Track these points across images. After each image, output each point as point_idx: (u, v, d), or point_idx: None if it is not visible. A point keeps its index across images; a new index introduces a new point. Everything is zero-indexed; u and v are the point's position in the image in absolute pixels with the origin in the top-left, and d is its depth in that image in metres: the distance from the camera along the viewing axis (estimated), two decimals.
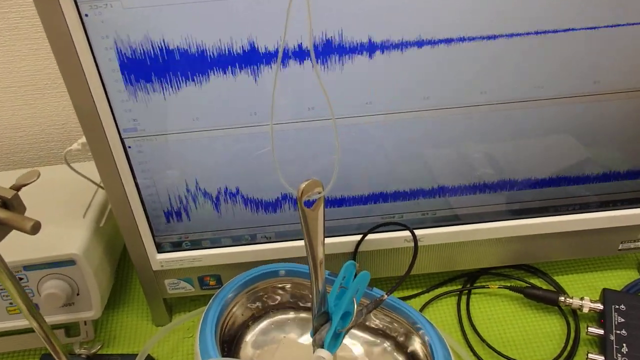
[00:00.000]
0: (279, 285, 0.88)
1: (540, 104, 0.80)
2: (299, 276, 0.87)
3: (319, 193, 0.59)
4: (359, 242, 0.90)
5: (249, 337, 0.87)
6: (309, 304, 0.90)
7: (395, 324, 0.84)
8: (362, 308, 0.75)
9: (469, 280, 1.07)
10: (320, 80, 0.73)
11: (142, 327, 1.01)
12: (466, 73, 0.76)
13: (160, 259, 0.92)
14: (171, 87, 0.72)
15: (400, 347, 0.84)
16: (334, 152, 0.79)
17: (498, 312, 1.00)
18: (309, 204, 0.60)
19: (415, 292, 1.04)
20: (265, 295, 0.88)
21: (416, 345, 0.82)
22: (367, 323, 0.87)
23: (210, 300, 0.82)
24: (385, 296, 0.76)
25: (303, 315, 0.90)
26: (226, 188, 0.85)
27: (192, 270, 0.95)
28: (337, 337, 0.72)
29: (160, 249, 0.92)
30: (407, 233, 0.91)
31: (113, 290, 1.05)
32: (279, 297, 0.89)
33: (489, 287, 1.04)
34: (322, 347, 0.69)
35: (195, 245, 0.92)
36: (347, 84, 0.74)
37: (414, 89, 0.77)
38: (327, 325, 0.72)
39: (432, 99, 0.78)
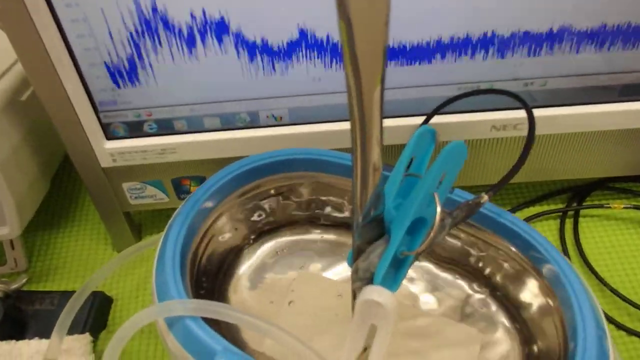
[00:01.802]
0: (294, 186, 0.55)
1: None
2: (328, 170, 0.53)
3: None
4: (426, 123, 0.55)
5: (244, 268, 0.54)
6: (340, 218, 0.56)
7: (494, 253, 0.50)
8: (446, 216, 0.41)
9: (577, 196, 0.72)
10: None
11: (99, 255, 0.70)
12: None
13: (111, 149, 0.60)
14: None
15: (498, 295, 0.51)
16: None
17: (621, 242, 0.66)
18: None
19: None
20: (270, 204, 0.55)
21: (528, 291, 0.48)
22: (440, 250, 0.54)
23: (177, 210, 0.49)
24: (486, 197, 0.42)
25: (330, 236, 0.56)
26: (205, 14, 0.50)
27: (162, 168, 0.62)
28: (400, 265, 0.38)
29: (109, 133, 0.59)
30: (494, 115, 0.57)
31: (56, 202, 0.73)
32: (292, 207, 0.56)
33: (609, 207, 0.69)
34: (371, 281, 0.36)
35: (165, 127, 0.59)
36: None
37: None
38: (379, 245, 0.38)
39: None
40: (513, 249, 0.48)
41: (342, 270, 0.55)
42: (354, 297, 0.41)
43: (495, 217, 0.48)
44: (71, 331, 0.57)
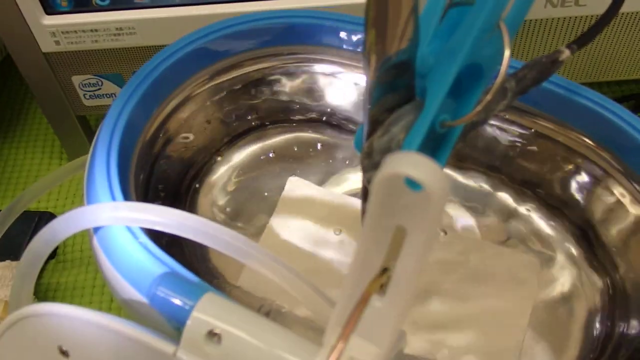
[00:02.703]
0: (287, 67, 0.41)
1: None
2: (337, 45, 0.39)
3: None
4: None
5: (217, 176, 0.40)
6: (343, 112, 0.42)
7: (559, 151, 0.36)
8: (509, 79, 0.26)
9: None
10: None
11: (52, 169, 0.56)
12: None
13: (52, 27, 0.46)
14: None
15: (561, 210, 0.37)
16: None
17: None
18: None
19: None
20: (254, 92, 0.41)
21: (608, 204, 0.34)
22: (478, 154, 0.40)
23: (120, 91, 0.35)
24: (567, 53, 0.28)
25: (332, 138, 0.43)
26: None
27: (121, 57, 0.49)
28: (438, 145, 0.25)
29: (49, 6, 0.46)
30: None
31: None
32: (283, 93, 0.42)
33: None
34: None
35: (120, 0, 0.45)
36: None
37: None
38: (407, 113, 0.24)
39: None
40: (589, 141, 0.34)
41: (349, 185, 0.41)
42: (365, 196, 0.27)
43: (569, 94, 0.34)
44: (4, 257, 0.45)
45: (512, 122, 0.37)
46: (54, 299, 0.47)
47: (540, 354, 0.34)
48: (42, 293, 0.47)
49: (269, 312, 0.32)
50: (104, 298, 0.47)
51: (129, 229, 0.28)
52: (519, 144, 0.37)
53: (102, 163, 0.31)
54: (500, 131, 0.38)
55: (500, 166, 0.39)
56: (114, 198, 0.30)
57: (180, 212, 0.27)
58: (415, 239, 0.19)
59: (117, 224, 0.28)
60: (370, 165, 0.24)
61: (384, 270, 0.20)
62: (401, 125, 0.24)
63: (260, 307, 0.33)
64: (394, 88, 0.25)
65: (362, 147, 0.25)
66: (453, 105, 0.25)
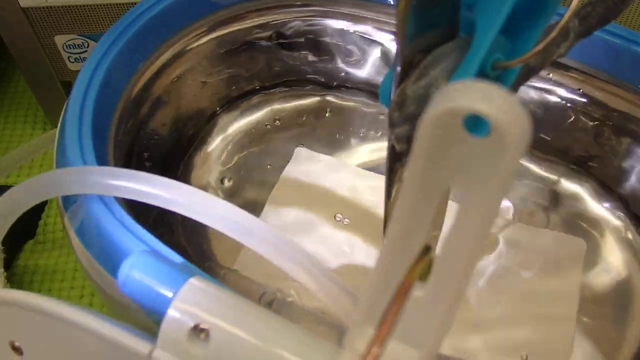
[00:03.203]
0: (297, 20, 0.35)
1: None
2: None
3: None
4: None
5: (215, 144, 0.35)
6: (359, 75, 0.37)
7: (617, 119, 0.31)
8: (571, 18, 0.21)
9: None
10: None
11: (32, 139, 0.51)
12: None
13: None
14: None
15: (612, 188, 0.32)
16: None
17: None
18: None
19: None
20: (259, 47, 0.36)
21: None
22: None
23: (101, 39, 0.30)
24: None
25: (345, 104, 0.37)
26: None
27: (111, 13, 0.43)
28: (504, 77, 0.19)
29: None
30: None
31: None
32: (291, 53, 0.36)
33: None
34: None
35: None
36: None
37: None
38: (449, 52, 0.19)
39: None
40: None
41: (363, 158, 0.36)
42: (393, 161, 0.22)
43: (628, 44, 0.28)
44: None
45: (558, 84, 0.32)
46: (30, 283, 0.42)
47: (589, 349, 0.29)
48: (17, 277, 0.42)
49: (271, 301, 0.27)
50: (87, 283, 0.42)
51: (103, 201, 0.23)
52: (564, 110, 0.32)
53: (74, 125, 0.26)
54: (542, 94, 0.32)
55: (541, 136, 0.34)
56: (85, 163, 0.25)
57: (162, 179, 0.22)
58: (475, 206, 0.13)
59: (84, 191, 0.23)
60: (401, 117, 0.19)
61: (426, 250, 0.15)
62: (442, 67, 0.19)
63: (261, 295, 0.27)
64: (432, 23, 0.20)
65: (389, 97, 0.20)
66: (507, 44, 0.19)
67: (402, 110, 0.19)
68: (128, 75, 0.30)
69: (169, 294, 0.19)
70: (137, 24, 0.30)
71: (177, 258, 0.21)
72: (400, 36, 0.19)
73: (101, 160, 0.26)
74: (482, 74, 0.19)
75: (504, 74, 0.19)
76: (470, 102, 0.12)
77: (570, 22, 0.22)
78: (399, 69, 0.20)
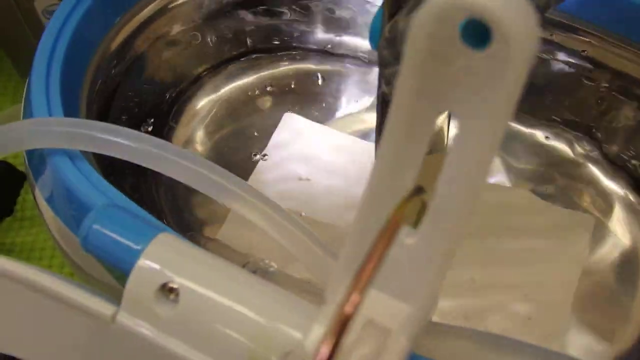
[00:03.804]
0: None
1: None
2: None
3: None
4: None
5: (199, 106, 0.33)
6: (352, 38, 0.35)
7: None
8: None
9: None
10: None
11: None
12: None
13: None
14: None
15: (621, 157, 0.31)
16: None
17: None
18: None
19: None
20: (251, 6, 0.34)
21: None
22: None
23: None
24: None
25: (338, 69, 0.35)
26: None
27: None
28: None
29: None
30: None
31: None
32: (284, 13, 0.34)
33: None
34: None
35: None
36: None
37: None
38: None
39: None
40: None
41: (357, 126, 0.34)
42: (384, 108, 0.20)
43: None
44: None
45: (560, 47, 0.30)
46: None
47: (586, 330, 0.28)
48: None
49: (254, 272, 0.25)
50: (66, 262, 0.40)
51: (69, 155, 0.21)
52: (567, 74, 0.30)
53: (40, 77, 0.24)
54: (544, 58, 0.31)
55: (541, 103, 0.32)
56: (48, 107, 0.23)
57: (129, 130, 0.20)
58: (475, 132, 0.11)
59: (44, 144, 0.21)
60: (392, 56, 0.17)
61: (418, 191, 0.13)
62: None
63: (244, 265, 0.26)
64: None
65: (379, 35, 0.18)
66: None
67: (394, 47, 0.17)
68: (104, 29, 0.28)
69: (135, 250, 0.17)
70: None
71: (144, 214, 0.19)
72: None
73: (71, 111, 0.24)
74: None
75: None
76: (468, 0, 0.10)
77: None
78: (388, 3, 0.18)
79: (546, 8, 0.19)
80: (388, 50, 0.17)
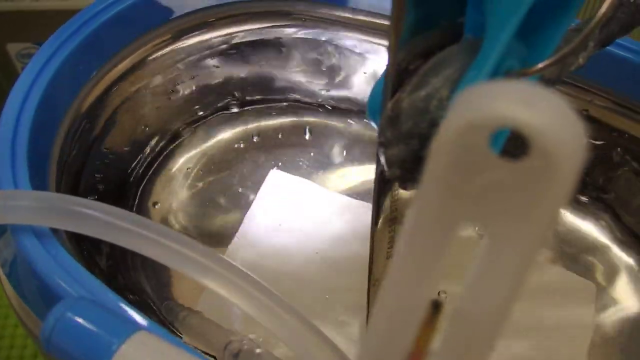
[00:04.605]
0: (274, 29, 0.32)
1: None
2: None
3: None
4: None
5: (180, 164, 0.31)
6: (342, 92, 0.34)
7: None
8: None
9: None
10: None
11: None
12: None
13: None
14: None
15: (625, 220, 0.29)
16: None
17: None
18: None
19: None
20: (230, 58, 0.32)
21: None
22: None
23: (45, 43, 0.26)
24: None
25: (326, 123, 0.34)
26: None
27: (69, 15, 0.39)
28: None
29: None
30: None
31: None
32: (266, 66, 0.33)
33: None
34: (424, 143, 0.14)
35: None
36: None
37: None
38: (455, 58, 0.16)
39: None
40: None
41: (346, 183, 0.32)
42: (381, 189, 0.19)
43: None
44: None
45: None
46: None
47: None
48: None
49: (237, 353, 0.23)
50: (29, 342, 0.36)
51: (35, 233, 0.19)
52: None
53: (6, 142, 0.22)
54: None
55: None
56: (17, 181, 0.21)
57: (101, 204, 0.18)
58: (505, 254, 0.10)
59: (8, 220, 0.19)
60: (395, 136, 0.16)
61: (436, 306, 0.11)
62: (445, 74, 0.16)
63: (226, 344, 0.24)
64: (431, 22, 0.16)
65: (379, 111, 0.17)
66: (521, 49, 0.16)
67: (396, 127, 0.16)
68: (76, 87, 0.26)
69: (107, 353, 0.15)
70: (89, 28, 0.26)
71: (123, 306, 0.17)
72: (394, 34, 0.16)
73: (39, 183, 0.22)
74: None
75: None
76: (509, 109, 0.08)
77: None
78: (391, 76, 0.16)
79: (555, 82, 0.18)
80: (390, 130, 0.16)
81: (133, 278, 0.27)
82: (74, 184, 0.26)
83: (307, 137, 0.34)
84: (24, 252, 0.19)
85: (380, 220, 0.21)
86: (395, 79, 0.16)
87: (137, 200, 0.30)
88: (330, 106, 0.34)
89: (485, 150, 0.09)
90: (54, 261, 0.18)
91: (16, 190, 0.20)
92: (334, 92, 0.34)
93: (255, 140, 0.33)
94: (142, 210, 0.29)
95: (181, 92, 0.31)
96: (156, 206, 0.30)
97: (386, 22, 0.30)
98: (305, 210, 0.30)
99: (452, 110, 0.09)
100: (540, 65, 0.16)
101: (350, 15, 0.31)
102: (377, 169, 0.18)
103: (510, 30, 0.15)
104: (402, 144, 0.16)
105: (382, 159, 0.17)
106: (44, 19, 0.39)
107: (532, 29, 0.16)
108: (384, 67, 0.17)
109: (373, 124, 0.18)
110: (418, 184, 0.17)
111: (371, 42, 0.32)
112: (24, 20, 0.39)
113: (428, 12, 0.16)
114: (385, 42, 0.31)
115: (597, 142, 0.28)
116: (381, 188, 0.19)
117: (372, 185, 0.19)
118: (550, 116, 0.09)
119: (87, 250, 0.24)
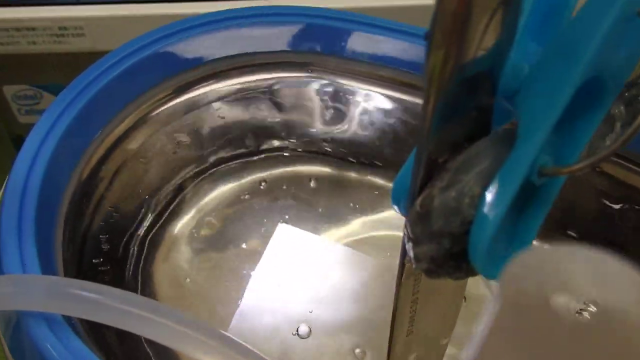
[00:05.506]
0: (277, 80, 0.32)
1: None
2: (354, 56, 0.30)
3: None
4: None
5: (183, 223, 0.31)
6: (353, 142, 0.33)
7: None
8: (623, 92, 0.18)
9: None
10: None
11: None
12: None
13: None
14: None
15: None
16: None
17: None
18: None
19: None
20: (233, 110, 0.32)
21: None
22: None
23: (46, 110, 0.25)
24: None
25: (336, 173, 0.34)
26: None
27: (64, 63, 0.39)
28: (530, 200, 0.16)
29: None
30: None
31: None
32: (267, 116, 0.33)
33: None
34: (461, 240, 0.14)
35: None
36: None
37: None
38: (486, 153, 0.15)
39: None
40: None
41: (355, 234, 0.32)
42: (402, 271, 0.18)
43: None
44: None
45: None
46: None
47: None
48: None
49: None
50: None
51: (47, 319, 0.19)
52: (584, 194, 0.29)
53: (11, 230, 0.21)
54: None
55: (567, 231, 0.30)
56: (24, 262, 0.20)
57: (115, 290, 0.18)
58: None
59: (21, 308, 0.18)
60: (425, 235, 0.15)
61: None
62: (477, 170, 0.15)
63: None
64: (460, 112, 0.16)
65: (404, 199, 0.16)
66: (556, 142, 0.16)
67: (426, 225, 0.15)
68: (80, 151, 0.25)
69: None
70: (93, 89, 0.25)
71: None
72: (426, 130, 0.15)
73: (46, 252, 0.21)
74: (526, 182, 0.15)
75: (550, 182, 0.16)
76: None
77: (614, 107, 0.19)
78: (419, 169, 0.16)
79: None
80: (420, 227, 0.15)
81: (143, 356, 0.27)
82: (80, 247, 0.25)
83: (312, 185, 0.33)
84: (35, 340, 0.18)
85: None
86: (424, 174, 0.16)
87: (142, 259, 0.29)
88: (335, 155, 0.34)
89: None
90: (66, 350, 0.18)
91: (26, 275, 0.19)
92: (339, 140, 0.33)
93: (262, 187, 0.32)
94: (148, 268, 0.29)
95: (178, 150, 0.30)
96: (164, 264, 0.29)
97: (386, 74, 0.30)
98: (316, 266, 0.29)
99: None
100: (575, 167, 0.15)
101: (357, 68, 0.31)
102: (401, 258, 0.18)
103: (545, 132, 0.15)
104: (434, 243, 0.15)
105: (411, 254, 0.16)
106: (40, 61, 0.39)
107: (565, 121, 0.16)
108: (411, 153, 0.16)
109: (396, 209, 0.18)
110: (445, 276, 0.17)
111: (377, 92, 0.32)
112: (20, 62, 0.39)
113: (456, 108, 0.15)
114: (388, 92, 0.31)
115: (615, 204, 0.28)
116: (401, 274, 0.18)
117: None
118: None
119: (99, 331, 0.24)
